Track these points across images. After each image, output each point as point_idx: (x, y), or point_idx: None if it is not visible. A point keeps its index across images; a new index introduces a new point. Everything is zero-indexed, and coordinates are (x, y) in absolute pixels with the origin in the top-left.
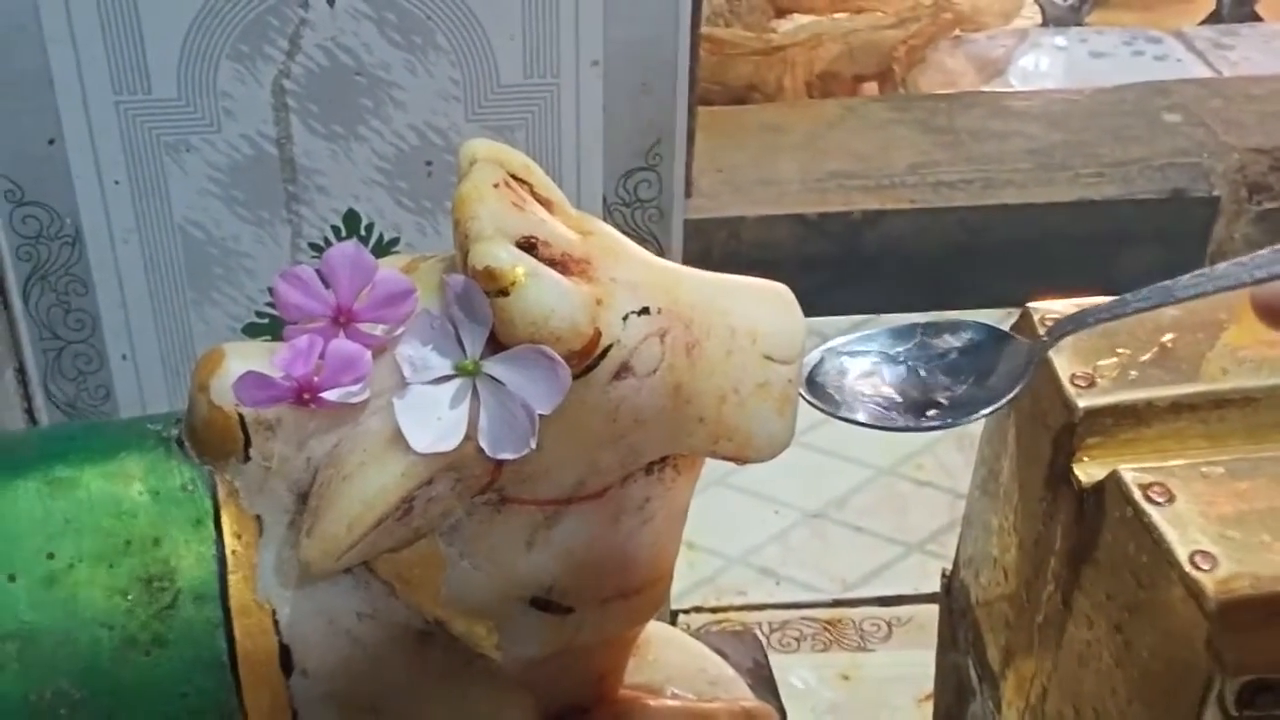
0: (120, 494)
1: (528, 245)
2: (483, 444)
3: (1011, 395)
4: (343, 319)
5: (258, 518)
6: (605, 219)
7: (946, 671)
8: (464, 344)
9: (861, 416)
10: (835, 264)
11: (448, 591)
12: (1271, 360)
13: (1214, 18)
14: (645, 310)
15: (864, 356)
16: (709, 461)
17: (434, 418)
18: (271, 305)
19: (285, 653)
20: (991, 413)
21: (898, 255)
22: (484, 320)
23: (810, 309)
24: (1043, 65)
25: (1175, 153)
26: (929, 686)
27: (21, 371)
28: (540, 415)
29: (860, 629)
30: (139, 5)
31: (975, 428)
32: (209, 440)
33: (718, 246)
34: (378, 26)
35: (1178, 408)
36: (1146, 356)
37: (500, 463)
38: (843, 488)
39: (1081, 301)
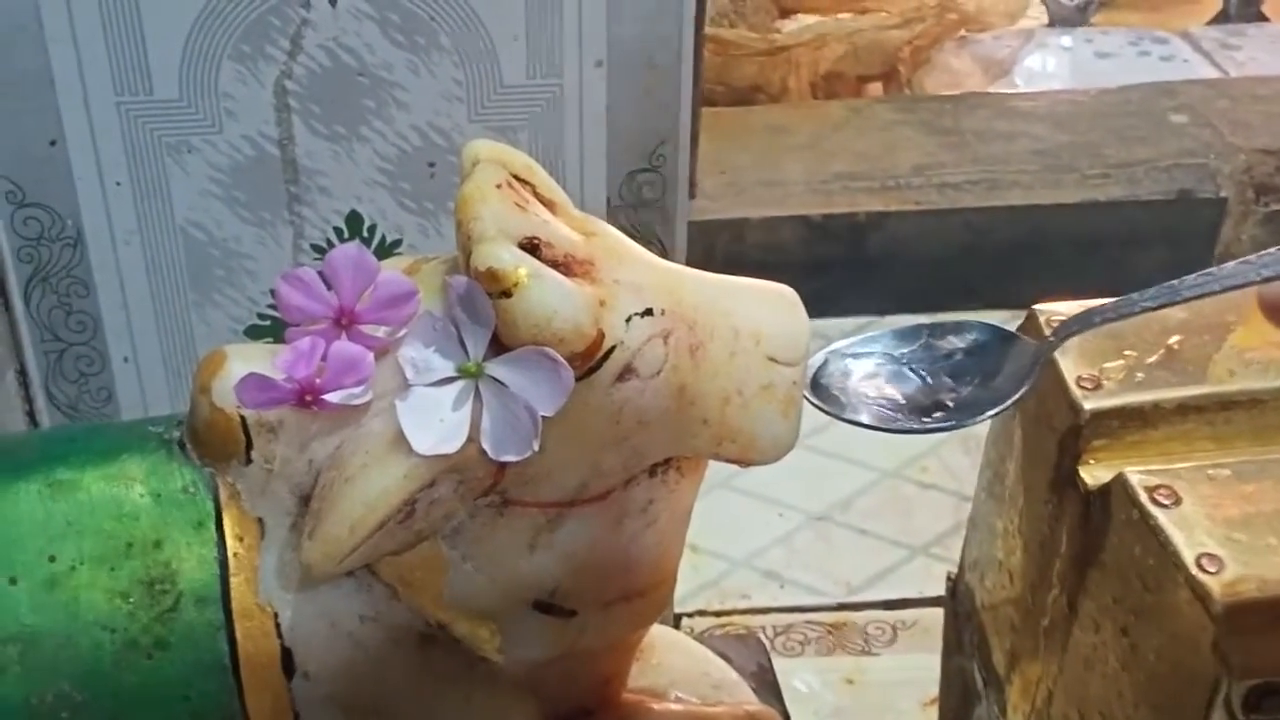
0: (122, 496)
1: (530, 246)
2: (485, 446)
3: (1017, 396)
4: (345, 321)
5: (259, 520)
6: (608, 220)
7: (951, 675)
8: (466, 346)
9: (866, 418)
10: (840, 265)
11: (450, 594)
12: (1279, 362)
13: (1220, 18)
14: (649, 312)
15: (868, 358)
16: (713, 464)
17: (436, 420)
18: (273, 307)
19: (287, 655)
20: (997, 414)
21: (902, 257)
22: (486, 322)
23: (815, 311)
24: (1048, 66)
25: (1181, 154)
26: (934, 690)
27: (23, 373)
28: (543, 417)
29: (865, 633)
30: (140, 5)
31: (980, 430)
32: (211, 442)
33: (721, 248)
34: (380, 27)
35: (1184, 410)
36: (1153, 358)
37: (503, 465)
38: (847, 490)
39: (1088, 304)
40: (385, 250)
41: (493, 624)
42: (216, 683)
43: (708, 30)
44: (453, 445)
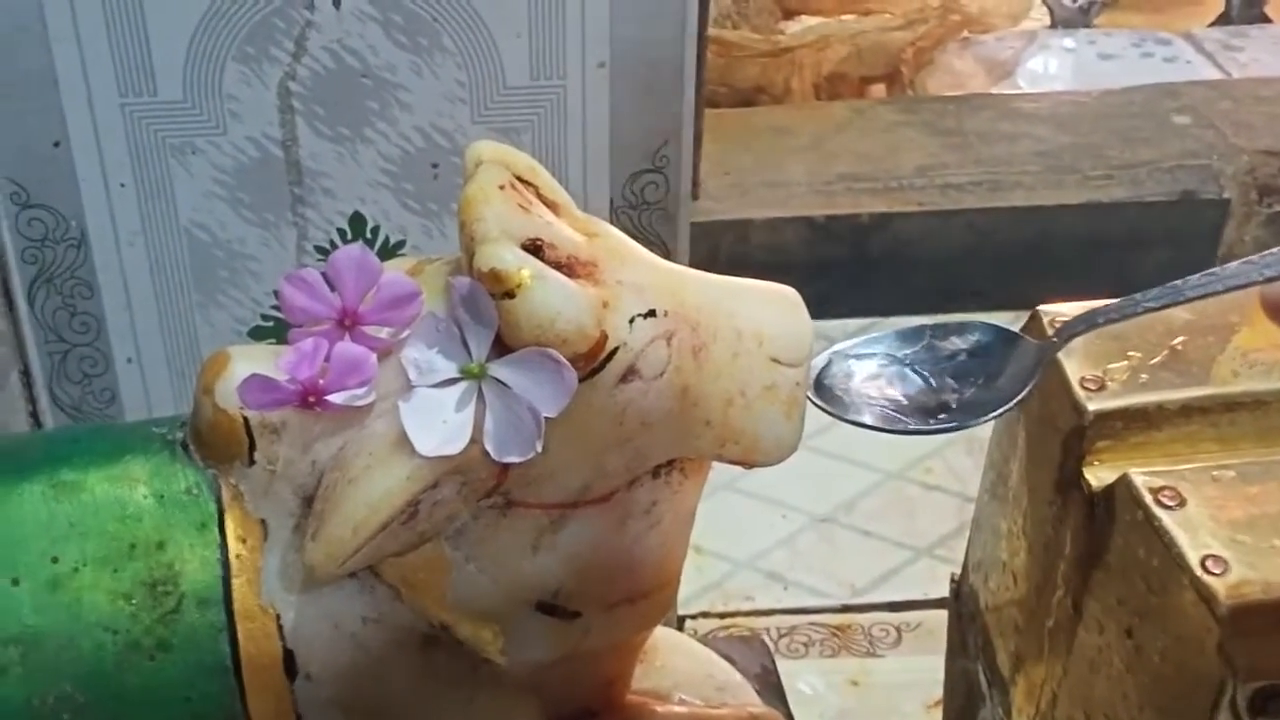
0: (125, 497)
1: (533, 247)
2: (488, 447)
3: (1020, 397)
4: (348, 322)
5: (262, 521)
6: (612, 221)
7: (956, 677)
8: (469, 347)
9: (869, 419)
10: (843, 266)
11: (453, 596)
12: None
13: (1223, 19)
14: (652, 313)
15: (871, 359)
16: (716, 465)
17: (439, 421)
18: (277, 308)
19: (289, 657)
20: (1000, 414)
21: (906, 258)
22: (489, 323)
23: (817, 311)
24: (1051, 67)
25: (1185, 155)
26: (938, 692)
27: (27, 374)
28: (546, 418)
29: (869, 634)
30: (145, 6)
31: (984, 431)
32: (214, 443)
33: (725, 249)
34: (383, 28)
35: (1188, 411)
36: (1157, 359)
37: (506, 466)
38: (851, 492)
39: (1091, 305)
40: (388, 251)
41: (496, 626)
42: (218, 684)
43: (711, 31)
44: (456, 446)
